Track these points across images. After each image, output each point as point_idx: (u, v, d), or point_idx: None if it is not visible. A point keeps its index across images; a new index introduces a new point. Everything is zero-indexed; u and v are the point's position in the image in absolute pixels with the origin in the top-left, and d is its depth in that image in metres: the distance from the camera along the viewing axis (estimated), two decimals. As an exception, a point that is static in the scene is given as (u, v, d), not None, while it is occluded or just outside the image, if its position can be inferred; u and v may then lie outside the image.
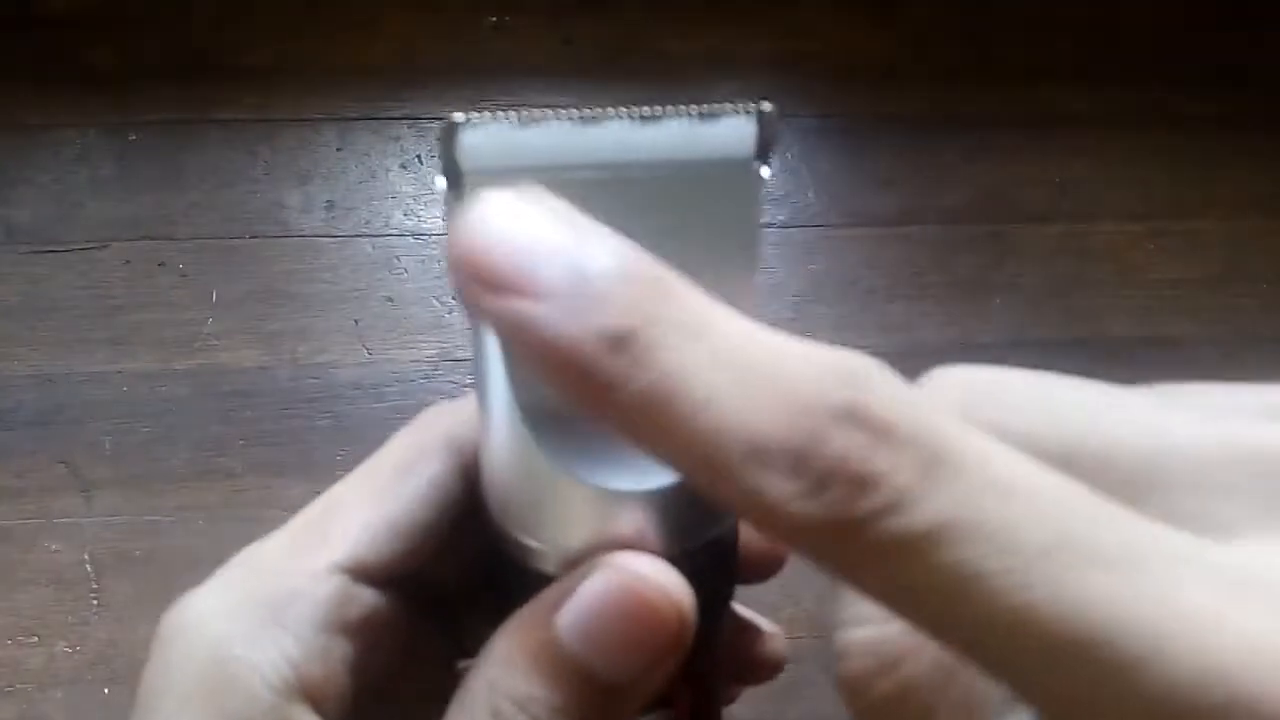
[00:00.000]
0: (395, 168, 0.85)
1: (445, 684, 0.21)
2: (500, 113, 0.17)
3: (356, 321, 0.80)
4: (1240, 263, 0.87)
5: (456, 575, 0.23)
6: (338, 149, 0.85)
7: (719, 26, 0.90)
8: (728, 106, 0.18)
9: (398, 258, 0.82)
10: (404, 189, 0.84)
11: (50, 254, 0.80)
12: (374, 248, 0.82)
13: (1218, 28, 0.95)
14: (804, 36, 0.91)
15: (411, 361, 0.79)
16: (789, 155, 0.87)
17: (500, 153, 0.17)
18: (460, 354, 0.79)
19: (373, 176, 0.84)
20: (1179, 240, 0.87)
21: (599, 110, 0.17)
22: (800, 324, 0.81)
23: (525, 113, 0.17)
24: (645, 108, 0.18)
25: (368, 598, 0.19)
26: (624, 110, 0.17)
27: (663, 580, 0.18)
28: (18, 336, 0.78)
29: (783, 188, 0.86)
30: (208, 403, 0.77)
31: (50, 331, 0.78)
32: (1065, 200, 0.88)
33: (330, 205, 0.83)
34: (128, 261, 0.80)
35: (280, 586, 0.19)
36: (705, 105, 0.18)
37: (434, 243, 0.83)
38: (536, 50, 0.88)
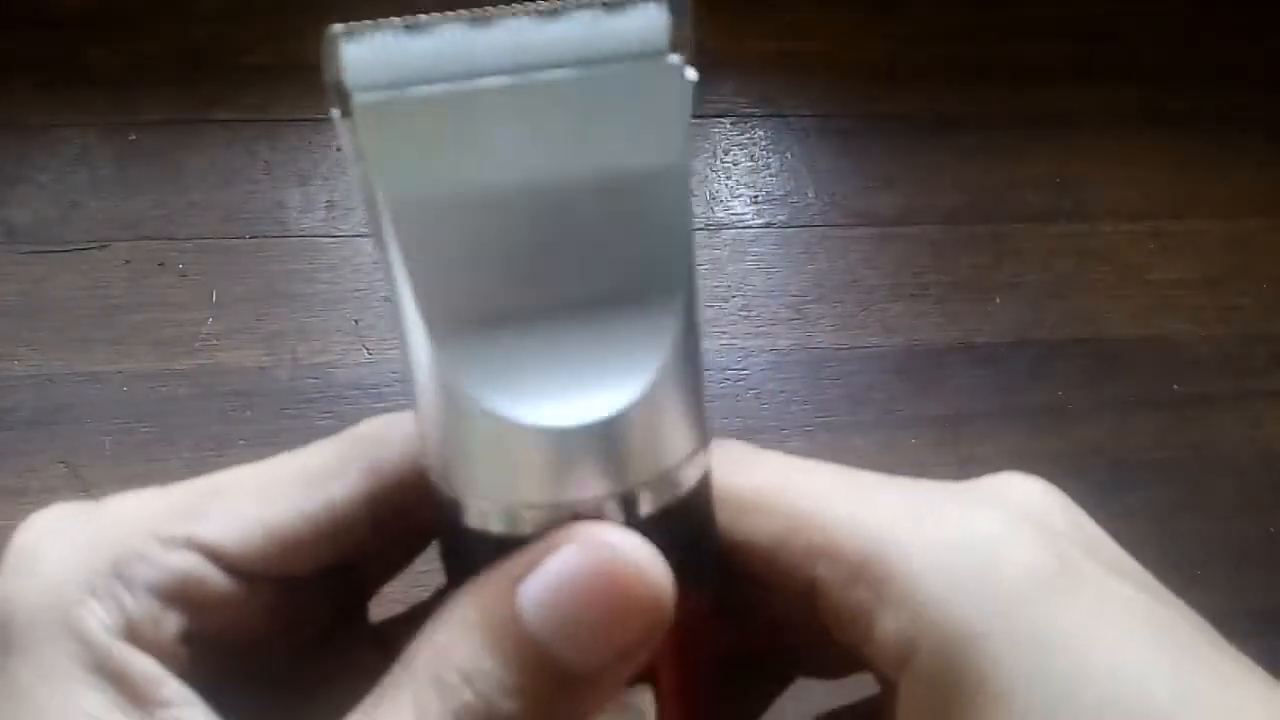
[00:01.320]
0: (395, 168, 0.85)
1: (331, 672, 0.22)
2: (385, 21, 0.15)
3: (357, 322, 0.79)
4: (1241, 263, 0.87)
5: (345, 580, 0.22)
6: (338, 149, 0.84)
7: (719, 26, 0.90)
8: None
9: (398, 258, 0.82)
10: (404, 189, 0.84)
11: (50, 254, 0.80)
12: (374, 248, 0.82)
13: (1219, 27, 0.95)
14: (803, 36, 0.91)
15: (411, 361, 0.79)
16: (788, 155, 0.87)
17: (389, 65, 0.15)
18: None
19: (373, 176, 0.84)
20: (1180, 240, 0.87)
21: (494, 10, 0.16)
22: (800, 324, 0.81)
23: (412, 19, 0.15)
24: (544, 3, 0.16)
25: (221, 582, 0.19)
26: (521, 8, 0.16)
27: (639, 559, 0.16)
28: (17, 336, 0.78)
29: (782, 187, 0.86)
30: (208, 403, 0.76)
31: (50, 331, 0.78)
32: (1066, 200, 0.87)
33: (330, 205, 0.83)
34: (128, 261, 0.80)
35: (130, 544, 0.18)
36: None
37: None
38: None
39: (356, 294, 0.80)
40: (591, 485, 0.17)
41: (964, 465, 0.76)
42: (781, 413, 0.78)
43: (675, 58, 0.16)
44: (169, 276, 0.80)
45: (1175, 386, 0.82)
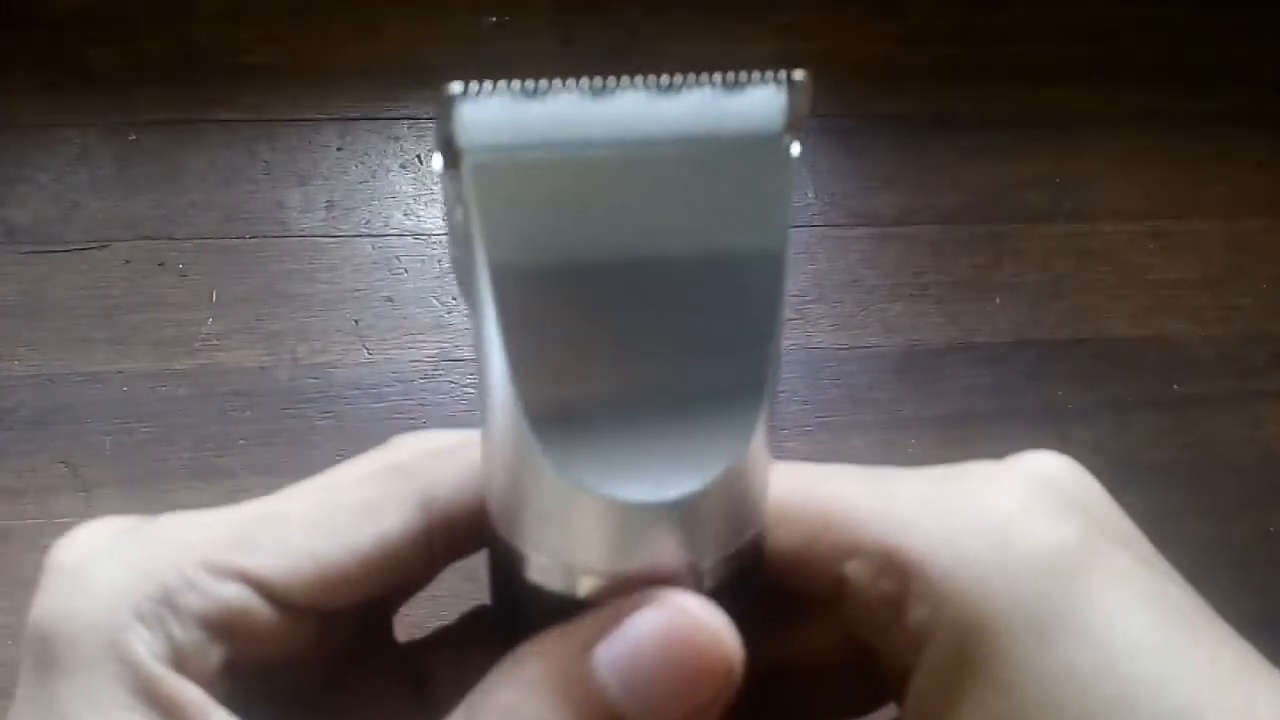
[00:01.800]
0: (396, 168, 0.85)
1: (359, 693, 0.22)
2: (501, 83, 0.15)
3: (356, 322, 0.79)
4: (1241, 263, 0.87)
5: (388, 614, 0.22)
6: (338, 149, 0.85)
7: (719, 26, 0.90)
8: (755, 75, 0.16)
9: (398, 258, 0.82)
10: (404, 189, 0.84)
11: (50, 254, 0.80)
12: (374, 248, 0.82)
13: (1220, 27, 0.95)
14: (804, 36, 0.91)
15: (412, 362, 0.78)
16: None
17: (504, 128, 0.16)
18: (461, 354, 0.78)
19: (373, 176, 0.84)
20: (1180, 240, 0.87)
21: (611, 80, 0.16)
22: (800, 324, 0.81)
23: (529, 83, 0.15)
24: (663, 77, 0.16)
25: (268, 615, 0.19)
26: (639, 80, 0.16)
27: (716, 626, 0.17)
28: (17, 336, 0.78)
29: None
30: (207, 403, 0.76)
31: (50, 331, 0.78)
32: (1065, 200, 0.87)
33: (330, 205, 0.83)
34: (127, 261, 0.80)
35: (183, 571, 0.18)
36: (730, 74, 0.16)
37: (435, 243, 0.82)
38: (537, 50, 0.88)
39: (356, 294, 0.80)
40: (662, 559, 0.17)
41: (945, 464, 0.75)
42: (781, 412, 0.78)
43: (789, 140, 0.16)
44: (169, 276, 0.80)
45: (1175, 387, 0.82)
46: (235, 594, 0.18)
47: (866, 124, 0.89)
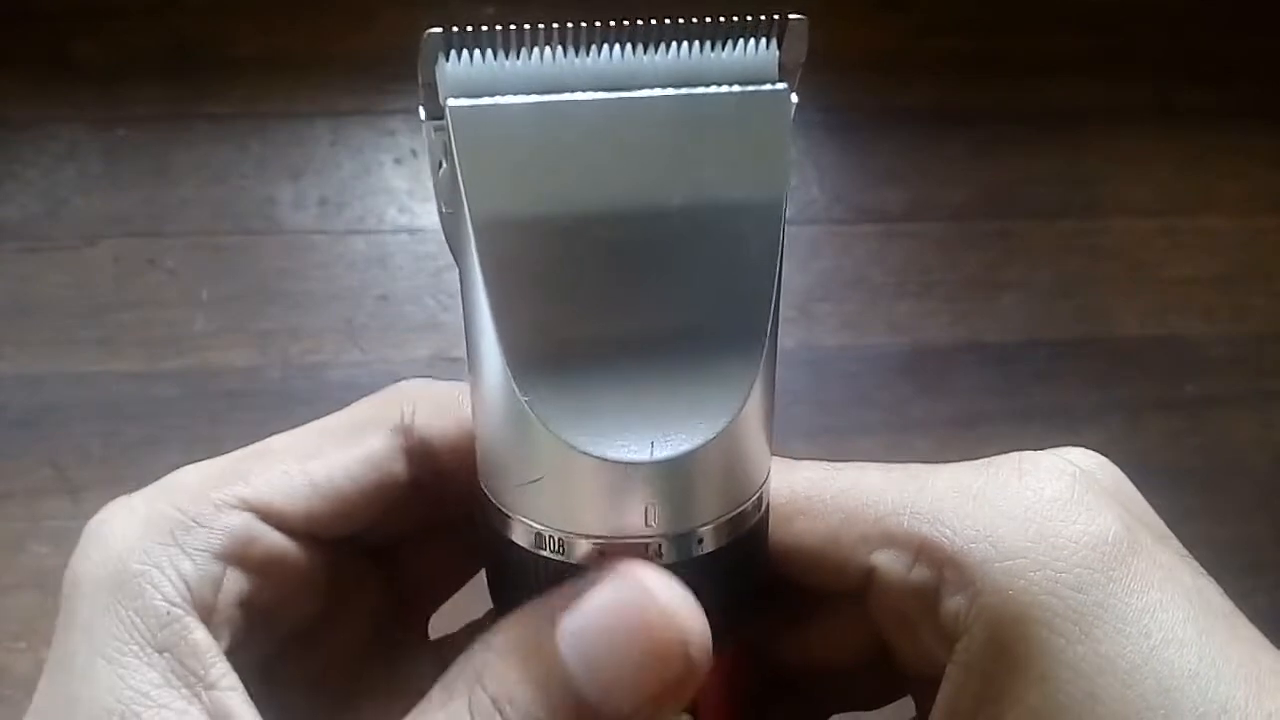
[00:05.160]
0: (389, 163, 0.84)
1: (377, 641, 0.23)
2: (485, 29, 0.15)
3: (350, 320, 0.79)
4: (1255, 261, 0.86)
5: (391, 543, 0.23)
6: (330, 143, 0.84)
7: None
8: (749, 18, 0.15)
9: (392, 255, 0.81)
10: (398, 185, 0.84)
11: (37, 252, 0.79)
12: (368, 245, 0.81)
13: (1233, 21, 0.94)
14: (809, 28, 0.91)
15: (406, 361, 0.78)
16: (792, 150, 0.87)
17: (486, 74, 0.15)
18: (456, 353, 0.78)
19: (366, 172, 0.84)
20: (1192, 238, 0.87)
21: (600, 25, 0.15)
22: (806, 323, 0.80)
23: (514, 30, 0.15)
24: (654, 22, 0.15)
25: (275, 541, 0.20)
26: (628, 24, 0.15)
27: (671, 603, 0.16)
28: (3, 336, 0.77)
29: (786, 183, 0.86)
30: (197, 403, 0.76)
31: (37, 331, 0.77)
32: (1075, 197, 0.87)
33: (323, 201, 0.83)
34: (116, 259, 0.80)
35: (186, 510, 0.19)
36: (724, 18, 0.15)
37: (430, 240, 0.82)
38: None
39: (350, 292, 0.80)
40: (651, 522, 0.16)
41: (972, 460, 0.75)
42: (785, 414, 0.78)
43: (782, 86, 0.16)
44: (158, 274, 0.79)
45: (1187, 387, 0.81)
46: (239, 521, 0.20)
47: (873, 119, 0.88)
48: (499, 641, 0.17)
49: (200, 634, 0.18)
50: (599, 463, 0.16)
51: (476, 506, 0.18)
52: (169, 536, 0.19)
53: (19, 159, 0.82)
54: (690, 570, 0.16)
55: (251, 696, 0.18)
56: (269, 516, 0.20)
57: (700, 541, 0.17)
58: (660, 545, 0.17)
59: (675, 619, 0.16)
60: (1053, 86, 0.90)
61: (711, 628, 0.16)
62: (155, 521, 0.19)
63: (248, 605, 0.20)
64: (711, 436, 0.16)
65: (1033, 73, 0.90)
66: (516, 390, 0.15)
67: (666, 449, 0.16)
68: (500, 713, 0.16)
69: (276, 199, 0.82)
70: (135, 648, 0.18)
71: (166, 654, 0.18)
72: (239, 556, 0.19)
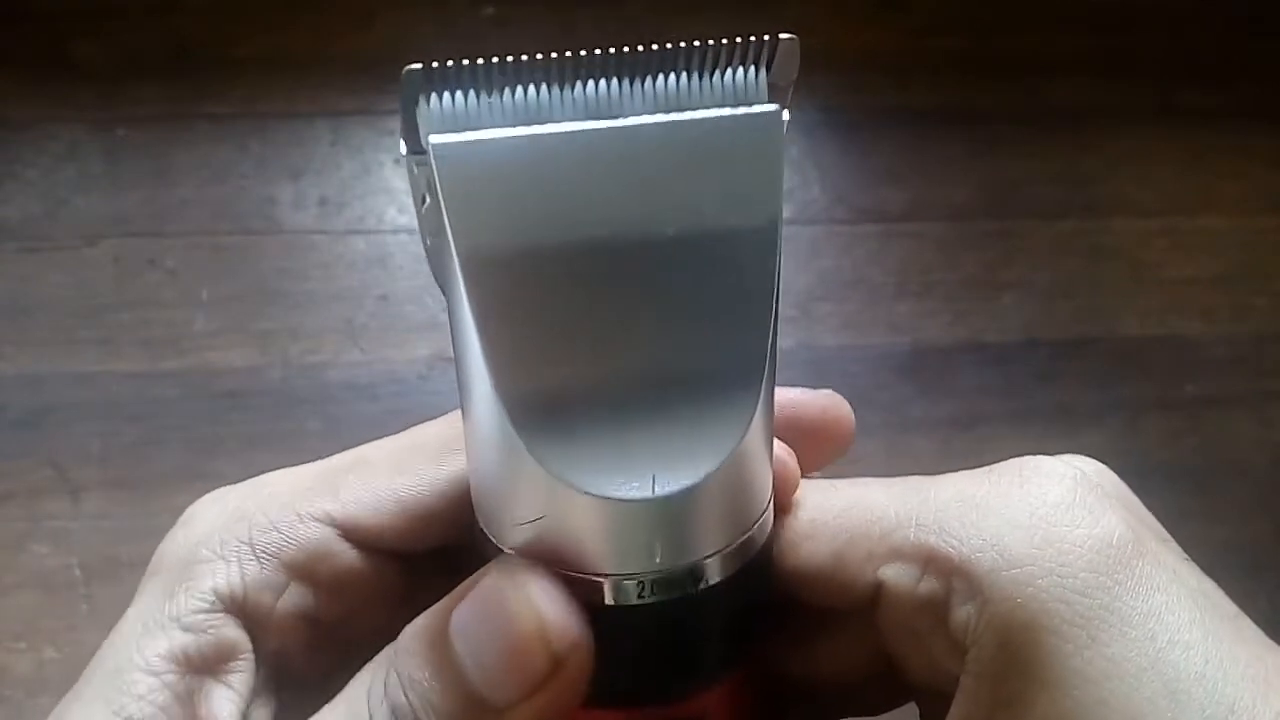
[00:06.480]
0: (389, 163, 0.84)
1: None
2: (466, 62, 0.14)
3: (350, 320, 0.79)
4: (1255, 261, 0.86)
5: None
6: (331, 143, 0.84)
7: (722, 18, 0.89)
8: (738, 40, 0.15)
9: (392, 255, 0.81)
10: (398, 185, 0.83)
11: (37, 252, 0.79)
12: (368, 245, 0.81)
13: (1234, 22, 0.94)
14: (809, 29, 0.90)
15: (406, 361, 0.78)
16: (794, 150, 0.86)
17: (468, 108, 0.15)
18: (456, 354, 0.78)
19: (367, 172, 0.84)
20: (1193, 238, 0.87)
21: (584, 54, 0.15)
22: (805, 323, 0.80)
23: (496, 62, 0.14)
24: (640, 48, 0.15)
25: (350, 559, 0.20)
26: (614, 53, 0.15)
27: (531, 590, 0.16)
28: (4, 336, 0.77)
29: (786, 183, 0.85)
30: (197, 404, 0.76)
31: (37, 331, 0.77)
32: (1076, 197, 0.87)
33: (323, 201, 0.82)
34: (116, 259, 0.79)
35: (270, 514, 0.20)
36: (711, 43, 0.15)
37: (430, 240, 0.82)
38: (536, 41, 0.87)
39: (350, 292, 0.79)
40: (656, 557, 0.16)
41: (972, 469, 0.75)
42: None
43: (773, 107, 0.16)
44: (158, 274, 0.79)
45: (1188, 387, 0.81)
46: (318, 535, 0.20)
47: (873, 118, 0.88)
48: (411, 629, 0.18)
49: (233, 633, 0.19)
50: (601, 501, 0.15)
51: (474, 543, 0.18)
52: (245, 536, 0.20)
53: (19, 159, 0.82)
54: (696, 600, 0.16)
55: (317, 707, 0.18)
56: (352, 533, 0.20)
57: (706, 571, 0.17)
58: (666, 579, 0.16)
59: (533, 606, 0.16)
60: (1053, 86, 0.90)
61: (720, 652, 0.16)
62: (239, 519, 0.20)
63: (311, 619, 0.20)
64: (714, 469, 0.16)
65: (1033, 73, 0.90)
66: (512, 429, 0.15)
67: (669, 485, 0.15)
68: (404, 691, 0.17)
69: (276, 199, 0.82)
70: (167, 621, 0.19)
71: (190, 634, 0.19)
72: (308, 571, 0.20)
